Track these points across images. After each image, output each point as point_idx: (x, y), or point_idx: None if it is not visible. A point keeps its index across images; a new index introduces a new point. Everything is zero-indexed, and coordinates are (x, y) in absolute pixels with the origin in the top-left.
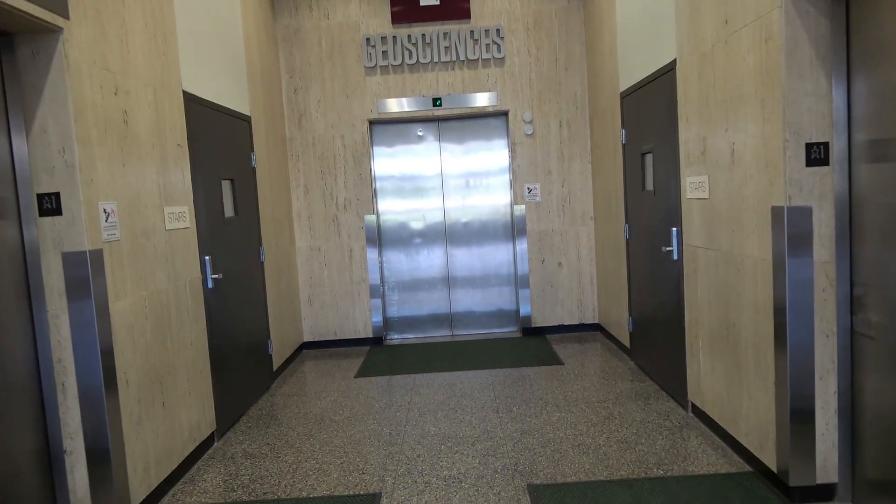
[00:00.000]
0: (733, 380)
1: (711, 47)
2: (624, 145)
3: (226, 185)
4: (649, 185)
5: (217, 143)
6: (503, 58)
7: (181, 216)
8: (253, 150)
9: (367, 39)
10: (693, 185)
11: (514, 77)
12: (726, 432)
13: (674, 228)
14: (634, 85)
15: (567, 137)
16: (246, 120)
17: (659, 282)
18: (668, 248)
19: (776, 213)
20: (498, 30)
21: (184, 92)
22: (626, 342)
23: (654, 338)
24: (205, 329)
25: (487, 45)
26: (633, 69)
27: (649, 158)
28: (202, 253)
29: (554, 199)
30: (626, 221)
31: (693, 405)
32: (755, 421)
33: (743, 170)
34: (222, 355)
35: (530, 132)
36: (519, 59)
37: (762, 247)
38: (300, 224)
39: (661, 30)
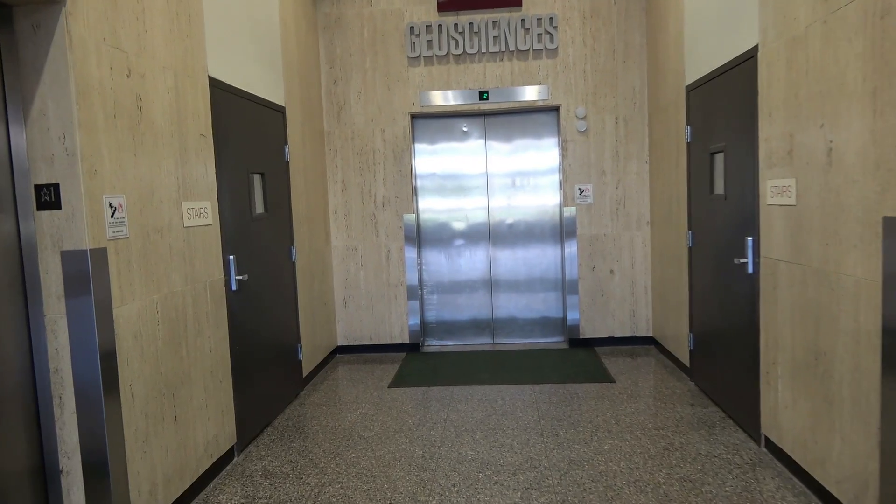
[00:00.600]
0: (822, 417)
1: (805, 29)
2: (689, 144)
3: (255, 180)
4: (719, 189)
5: (247, 134)
6: (556, 49)
7: (203, 212)
8: (287, 143)
9: (412, 28)
10: (776, 190)
11: (568, 69)
12: (810, 476)
13: (749, 238)
14: (703, 77)
15: (623, 135)
16: (280, 111)
17: (728, 297)
18: (741, 261)
19: (890, 224)
20: (551, 18)
21: (210, 78)
22: (685, 360)
23: (720, 359)
24: (227, 335)
25: (539, 34)
26: (703, 60)
27: (719, 158)
28: (226, 252)
29: (607, 201)
30: (690, 228)
31: (767, 439)
32: (850, 468)
33: (843, 173)
34: (246, 362)
35: (583, 129)
36: (573, 50)
37: (868, 264)
38: (336, 222)
39: (740, 14)
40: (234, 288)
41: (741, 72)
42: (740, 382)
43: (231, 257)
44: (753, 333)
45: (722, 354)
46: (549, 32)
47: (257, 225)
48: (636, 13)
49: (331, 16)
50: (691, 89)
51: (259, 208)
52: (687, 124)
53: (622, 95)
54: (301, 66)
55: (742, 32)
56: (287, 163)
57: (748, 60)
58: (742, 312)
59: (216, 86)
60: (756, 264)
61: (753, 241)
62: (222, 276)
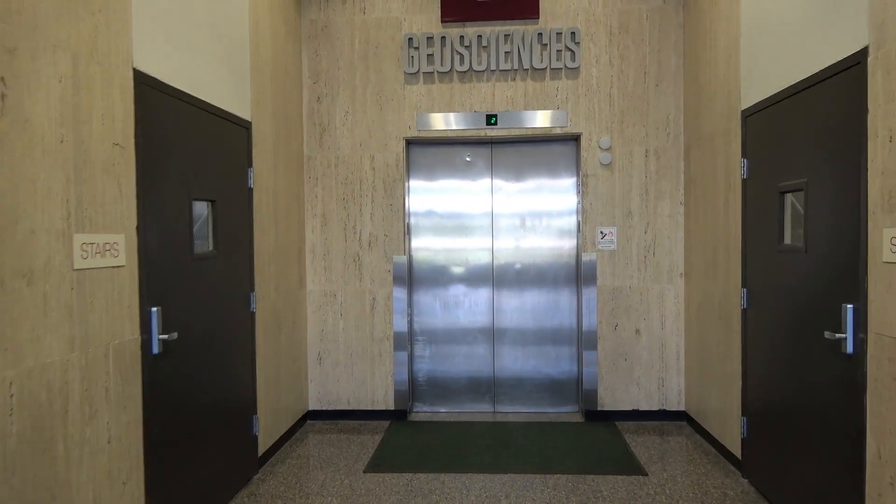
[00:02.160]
0: None
1: None
2: (745, 180)
3: (202, 209)
4: (794, 238)
5: (193, 150)
6: (577, 68)
7: (110, 249)
8: (251, 166)
9: (410, 39)
10: None
11: (591, 92)
12: None
13: (848, 306)
14: (770, 98)
15: (654, 171)
16: (244, 126)
17: (810, 380)
18: (834, 336)
19: None
20: (573, 33)
21: (136, 72)
22: (734, 448)
23: (794, 458)
24: (140, 417)
25: (559, 51)
26: (768, 77)
27: (795, 199)
28: (147, 303)
29: (634, 247)
30: (745, 285)
31: None
32: None
33: None
34: (173, 449)
35: (607, 162)
36: (598, 70)
37: None
38: (314, 263)
39: (833, 12)
40: (155, 350)
41: (835, 86)
42: (831, 497)
43: (154, 309)
44: (855, 436)
45: (796, 453)
46: (570, 49)
47: (201, 266)
48: (672, 30)
49: (317, 23)
50: (750, 114)
51: (205, 245)
52: (743, 157)
53: (653, 124)
54: (277, 78)
55: (837, 35)
56: (250, 190)
57: (848, 70)
58: (834, 404)
59: (146, 83)
60: (860, 342)
61: (856, 310)
62: (138, 336)
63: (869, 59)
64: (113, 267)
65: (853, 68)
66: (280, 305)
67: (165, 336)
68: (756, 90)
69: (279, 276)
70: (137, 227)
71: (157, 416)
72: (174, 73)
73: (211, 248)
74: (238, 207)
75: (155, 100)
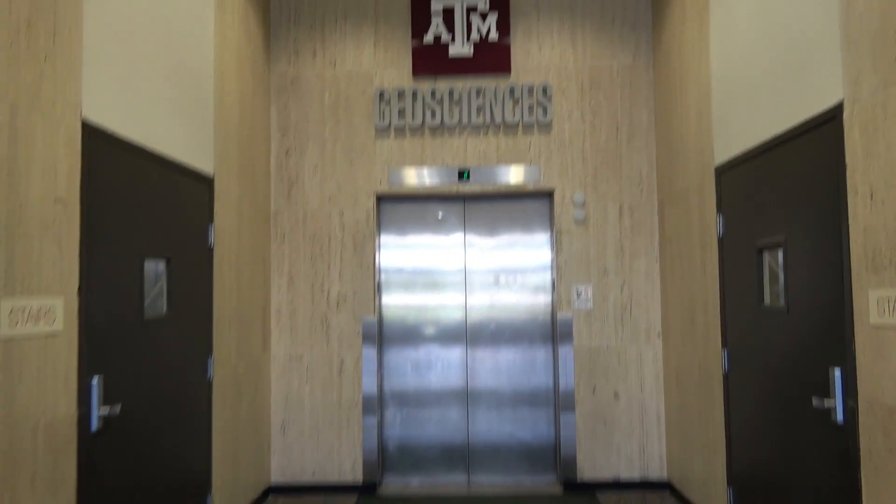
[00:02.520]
0: None
1: None
2: (721, 238)
3: (155, 269)
4: (774, 298)
5: (148, 206)
6: (550, 123)
7: (45, 314)
8: (212, 223)
9: (381, 94)
10: (886, 304)
11: (563, 148)
12: None
13: (836, 370)
14: (744, 154)
15: (629, 227)
16: (206, 181)
17: (800, 448)
18: (825, 404)
19: None
20: (545, 88)
21: (85, 123)
22: None
23: None
24: (73, 503)
25: (531, 106)
26: (741, 134)
27: (774, 257)
28: (87, 372)
29: (610, 306)
30: (725, 346)
31: None
32: None
33: None
34: None
35: (581, 218)
36: (570, 125)
37: None
38: (279, 324)
39: (805, 68)
40: (94, 426)
41: (810, 141)
42: None
43: (95, 379)
44: None
45: None
46: (542, 104)
47: (152, 330)
48: (643, 86)
49: (286, 76)
50: (723, 171)
51: (157, 307)
52: (718, 213)
53: (627, 180)
54: (243, 131)
55: (810, 91)
56: (210, 248)
57: (824, 125)
58: (826, 476)
59: (97, 135)
60: (851, 411)
61: (844, 373)
62: (74, 411)
63: (844, 113)
64: (47, 334)
65: (828, 123)
66: (241, 371)
67: (107, 409)
68: (729, 146)
69: (241, 339)
70: (79, 290)
71: (95, 501)
72: (130, 124)
73: (165, 310)
74: (197, 266)
75: (106, 152)
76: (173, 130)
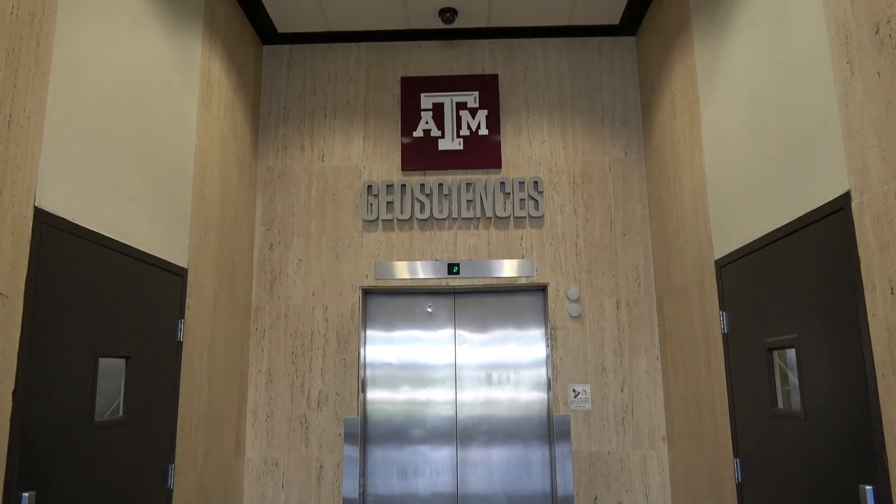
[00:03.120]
0: None
1: None
2: (726, 335)
3: (111, 367)
4: (790, 402)
5: (108, 299)
6: (542, 217)
7: None
8: (183, 318)
9: (369, 187)
10: None
11: (556, 242)
12: None
13: (868, 489)
14: (746, 246)
15: (627, 324)
16: (178, 274)
17: None
18: None
19: None
20: (536, 182)
21: (36, 210)
22: None
23: None
24: None
25: (522, 199)
26: (742, 225)
27: (786, 357)
28: (16, 487)
29: (610, 407)
30: (737, 455)
31: None
32: None
33: None
34: None
35: (577, 314)
36: (562, 219)
37: None
38: (255, 426)
39: (805, 159)
40: None
41: (817, 233)
42: None
43: (25, 497)
44: None
45: None
46: (533, 198)
47: (104, 435)
48: (635, 180)
49: (273, 170)
50: (724, 264)
51: (112, 410)
52: (721, 310)
53: (623, 275)
54: (225, 224)
55: (813, 181)
56: (179, 344)
57: (831, 216)
58: None
59: (51, 224)
60: None
61: (876, 494)
62: None
63: (853, 203)
64: None
65: (835, 214)
66: (208, 478)
67: None
68: (729, 239)
69: (210, 442)
70: (15, 392)
71: None
72: (93, 214)
73: (121, 413)
74: (162, 364)
75: (61, 242)
76: (143, 221)
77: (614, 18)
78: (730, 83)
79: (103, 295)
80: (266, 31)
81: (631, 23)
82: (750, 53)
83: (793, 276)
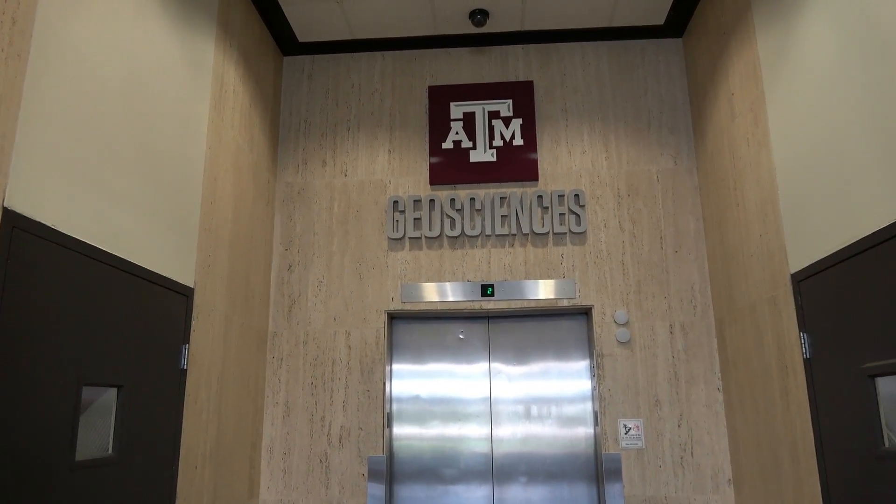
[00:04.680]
0: None
1: None
2: (808, 361)
3: (99, 398)
4: None
5: (96, 318)
6: (584, 233)
7: None
8: (187, 342)
9: (395, 203)
10: None
11: (601, 260)
12: None
13: None
14: (833, 255)
15: (682, 350)
16: (183, 293)
17: None
18: None
19: None
20: (577, 196)
21: (5, 211)
22: None
23: None
24: None
25: (562, 214)
26: (825, 232)
27: (893, 385)
28: None
29: (666, 444)
30: (827, 501)
31: None
32: None
33: None
34: None
35: (626, 339)
36: (607, 235)
37: None
38: (271, 464)
39: None
40: None
41: None
42: None
43: None
44: None
45: None
46: (574, 212)
47: (85, 476)
48: (687, 192)
49: (293, 186)
50: (804, 278)
51: (100, 447)
52: (802, 330)
53: (676, 295)
54: (239, 242)
55: None
56: (183, 371)
57: None
58: None
59: (26, 228)
60: None
61: None
62: None
63: None
64: None
65: None
66: None
67: None
68: (809, 249)
69: (219, 482)
70: None
71: None
72: (79, 221)
73: (110, 450)
74: (162, 394)
75: (38, 250)
76: (142, 233)
77: (659, 19)
78: (804, 72)
79: (90, 314)
80: (286, 41)
81: (677, 23)
82: (831, 33)
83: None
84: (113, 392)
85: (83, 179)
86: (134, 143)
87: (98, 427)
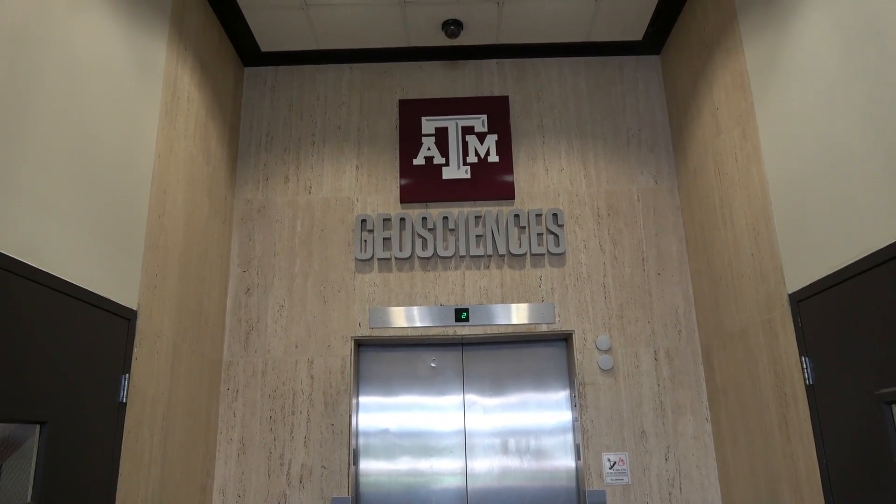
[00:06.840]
0: None
1: None
2: (810, 387)
3: (15, 435)
4: None
5: (13, 343)
6: (563, 254)
7: None
8: (128, 371)
9: (363, 221)
10: None
11: (581, 282)
12: None
13: None
14: (837, 273)
15: (668, 378)
16: (125, 317)
17: None
18: None
19: None
20: (555, 215)
21: None
22: None
23: None
24: None
25: (539, 234)
26: (827, 250)
27: None
28: None
29: (653, 479)
30: None
31: None
32: None
33: None
34: None
35: (608, 367)
36: (587, 256)
37: None
38: None
39: None
40: None
41: None
42: None
43: None
44: None
45: None
46: (552, 232)
47: None
48: (669, 212)
49: (253, 204)
50: (803, 298)
51: (17, 495)
52: (803, 355)
53: (660, 320)
54: (190, 262)
55: None
56: (122, 405)
57: None
58: None
59: None
60: None
61: None
62: None
63: None
64: None
65: None
66: None
67: None
68: (809, 267)
69: None
70: None
71: None
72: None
73: (29, 498)
74: (95, 431)
75: None
76: (73, 245)
77: (637, 34)
78: (798, 81)
79: (6, 337)
80: (247, 51)
81: (656, 38)
82: (828, 40)
83: None
84: (35, 429)
85: (1, 182)
86: (61, 141)
87: (15, 471)
